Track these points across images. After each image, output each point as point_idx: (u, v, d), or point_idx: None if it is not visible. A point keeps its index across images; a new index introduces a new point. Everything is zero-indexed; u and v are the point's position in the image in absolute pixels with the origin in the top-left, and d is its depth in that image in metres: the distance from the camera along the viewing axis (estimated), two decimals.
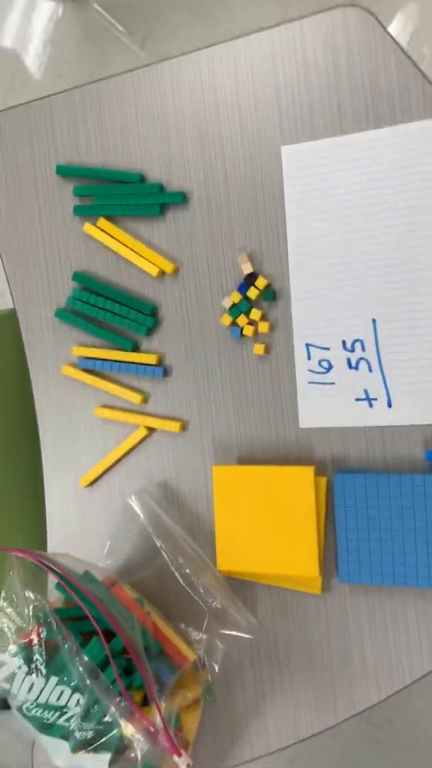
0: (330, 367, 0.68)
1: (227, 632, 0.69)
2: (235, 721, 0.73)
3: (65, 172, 0.76)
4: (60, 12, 1.69)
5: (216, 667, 0.70)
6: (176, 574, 0.70)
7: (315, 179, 0.67)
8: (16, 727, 0.67)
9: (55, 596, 0.69)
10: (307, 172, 0.68)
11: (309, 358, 0.69)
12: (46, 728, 0.65)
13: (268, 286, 0.70)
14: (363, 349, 0.67)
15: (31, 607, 0.66)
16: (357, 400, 0.68)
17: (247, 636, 0.69)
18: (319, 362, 0.69)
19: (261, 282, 0.69)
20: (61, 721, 0.65)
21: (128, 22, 1.64)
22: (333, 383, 0.68)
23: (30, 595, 0.66)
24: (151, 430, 0.75)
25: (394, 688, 0.68)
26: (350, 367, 0.68)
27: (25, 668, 0.65)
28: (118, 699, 0.61)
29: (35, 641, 0.66)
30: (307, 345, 0.69)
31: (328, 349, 0.68)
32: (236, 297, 0.70)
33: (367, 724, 1.46)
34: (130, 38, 1.64)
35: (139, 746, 0.61)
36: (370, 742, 1.46)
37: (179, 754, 0.60)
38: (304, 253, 0.68)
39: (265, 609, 0.71)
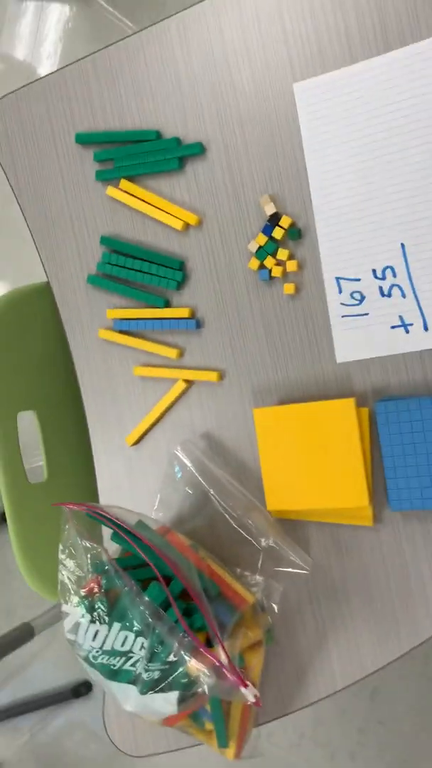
0: (362, 298, 0.68)
1: (283, 569, 0.69)
2: (299, 663, 0.73)
3: (84, 139, 0.78)
4: (68, 12, 1.73)
5: (275, 608, 0.70)
6: (227, 516, 0.71)
7: (330, 112, 0.67)
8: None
9: (111, 549, 0.71)
10: (321, 106, 0.68)
11: (340, 291, 0.69)
12: (114, 674, 0.67)
13: (292, 225, 0.70)
14: (394, 275, 0.67)
15: (89, 557, 0.68)
16: (393, 327, 0.67)
17: (303, 571, 0.69)
18: (351, 294, 0.69)
19: (285, 221, 0.70)
20: (127, 666, 0.66)
21: (133, 14, 1.66)
22: (367, 314, 0.68)
23: (87, 544, 0.67)
24: (189, 383, 0.76)
25: None
26: (383, 295, 0.67)
27: (88, 617, 0.67)
28: (182, 636, 0.61)
29: (96, 590, 0.68)
30: (337, 279, 0.69)
31: (358, 280, 0.68)
32: (262, 239, 0.71)
33: (429, 680, 1.44)
34: (137, 29, 1.66)
35: (205, 681, 0.61)
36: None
37: (245, 685, 0.61)
38: (326, 187, 0.69)
39: (318, 547, 0.72)
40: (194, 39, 0.73)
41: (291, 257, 0.71)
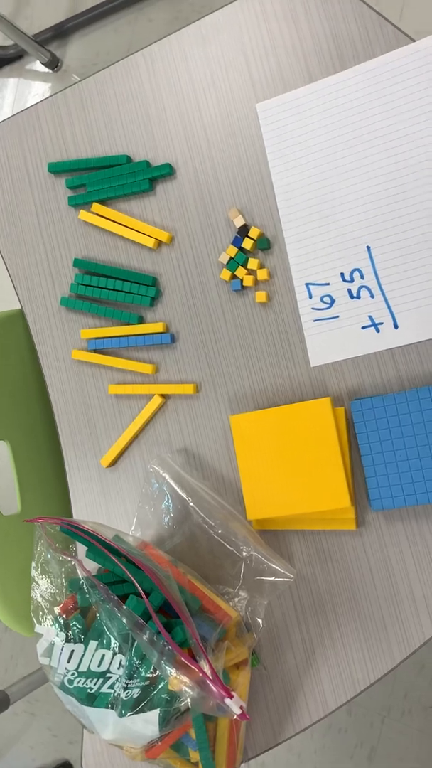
0: (332, 302, 0.69)
1: (266, 578, 0.67)
2: (287, 685, 0.69)
3: (56, 168, 0.81)
4: (45, 87, 1.81)
5: (260, 623, 0.67)
6: (207, 527, 0.69)
7: (291, 127, 0.71)
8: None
9: (88, 567, 0.68)
10: (282, 123, 0.71)
11: (310, 296, 0.70)
12: (91, 699, 0.62)
13: (261, 235, 0.72)
14: (362, 277, 0.68)
15: (63, 574, 0.65)
16: (363, 327, 0.68)
17: (287, 579, 0.67)
18: (321, 299, 0.70)
19: (254, 232, 0.71)
20: (104, 689, 0.62)
21: None
22: (337, 316, 0.69)
23: (61, 557, 0.64)
24: (166, 398, 0.76)
25: None
26: (352, 297, 0.69)
27: (63, 636, 0.63)
28: (162, 643, 0.58)
29: (71, 608, 0.64)
30: (307, 284, 0.70)
31: (327, 284, 0.70)
32: (232, 251, 0.72)
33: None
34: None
35: (188, 695, 0.58)
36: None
37: (230, 696, 0.57)
38: (291, 198, 0.71)
39: (302, 558, 0.69)
40: (161, 69, 0.77)
41: (261, 266, 0.72)
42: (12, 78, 1.85)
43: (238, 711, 0.57)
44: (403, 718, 1.37)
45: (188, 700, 0.58)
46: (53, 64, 1.73)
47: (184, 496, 0.70)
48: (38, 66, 1.77)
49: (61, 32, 1.72)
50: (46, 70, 1.76)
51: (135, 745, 0.62)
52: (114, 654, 0.62)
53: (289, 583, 0.67)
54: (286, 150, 0.71)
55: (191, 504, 0.70)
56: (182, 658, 0.58)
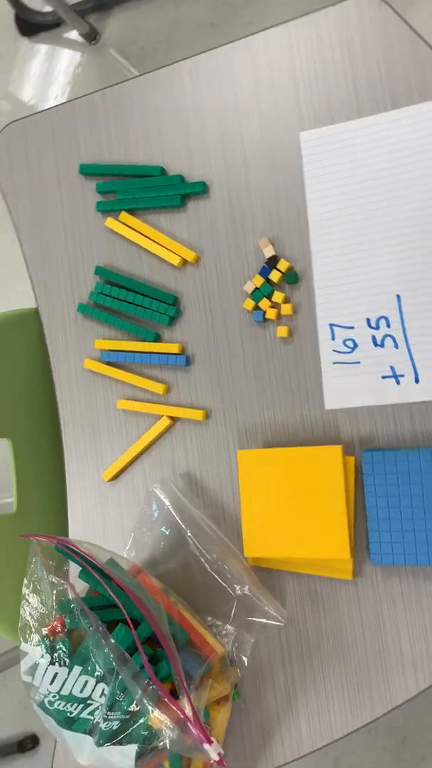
0: (355, 346, 0.68)
1: (256, 620, 0.66)
2: (266, 723, 0.69)
3: (88, 170, 0.78)
4: (78, 57, 1.77)
5: (246, 661, 0.67)
6: (203, 560, 0.68)
7: (334, 162, 0.69)
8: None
9: (79, 587, 0.67)
10: (325, 155, 0.69)
11: (333, 338, 0.69)
12: (70, 723, 0.62)
13: (290, 269, 0.70)
14: (388, 325, 0.67)
15: (54, 594, 0.64)
16: (384, 377, 0.67)
17: (277, 623, 0.66)
18: (344, 342, 0.68)
19: (283, 264, 0.70)
20: (84, 714, 0.62)
21: (143, 65, 1.71)
22: (358, 362, 0.68)
23: (54, 580, 0.64)
24: (174, 420, 0.75)
25: None
26: (375, 344, 0.67)
27: (48, 657, 0.63)
28: (146, 682, 0.58)
29: (59, 630, 0.64)
30: (331, 325, 0.69)
31: (352, 328, 0.68)
32: (258, 281, 0.71)
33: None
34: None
35: (168, 736, 0.58)
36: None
37: (210, 742, 0.57)
38: (325, 234, 0.69)
39: (294, 600, 0.69)
40: (205, 83, 0.74)
41: (286, 300, 0.71)
42: (47, 45, 1.80)
43: (215, 757, 0.57)
44: (368, 735, 1.38)
45: (167, 740, 0.57)
46: (91, 36, 1.68)
47: (183, 525, 0.70)
48: (75, 36, 1.73)
49: (102, 4, 1.67)
50: (83, 41, 1.71)
51: None
52: (97, 682, 0.62)
53: (279, 627, 0.67)
54: (325, 184, 0.69)
55: (189, 534, 0.69)
56: (165, 699, 0.58)
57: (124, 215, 0.77)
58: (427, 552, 0.63)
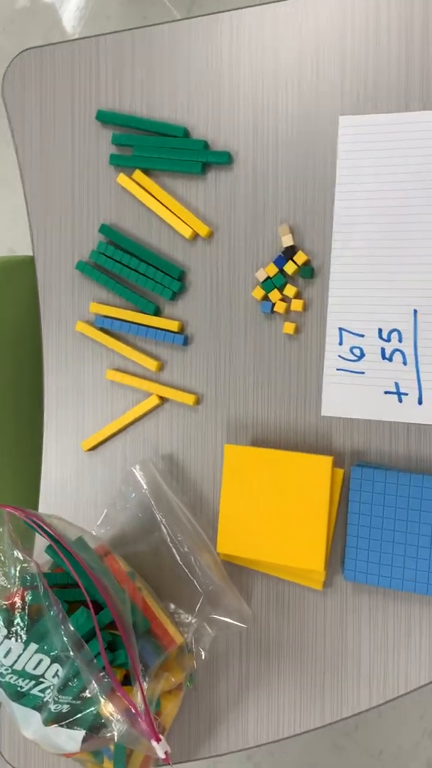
0: (362, 356, 0.65)
1: (219, 618, 0.66)
2: (214, 712, 0.70)
3: (106, 118, 0.72)
4: None
5: (203, 654, 0.67)
6: (174, 550, 0.67)
7: (372, 155, 0.64)
8: None
9: (43, 560, 0.66)
10: (364, 146, 0.64)
11: (341, 343, 0.65)
12: (19, 696, 0.62)
13: (307, 263, 0.66)
14: (400, 340, 0.63)
15: (18, 568, 0.62)
16: (386, 393, 0.64)
17: (241, 625, 0.66)
18: (351, 349, 0.65)
19: (300, 257, 0.65)
20: (35, 691, 0.61)
21: (190, 9, 1.58)
22: (363, 372, 0.65)
23: (19, 555, 0.62)
24: (163, 400, 0.72)
25: (386, 697, 0.65)
26: (383, 357, 0.64)
27: (4, 631, 0.62)
28: (101, 674, 0.57)
29: (18, 604, 0.62)
30: (341, 329, 0.65)
31: (362, 336, 0.65)
32: (272, 270, 0.66)
33: (331, 727, 1.43)
34: (175, 3, 1.59)
35: (116, 727, 0.57)
36: (332, 746, 1.44)
37: (158, 740, 0.57)
38: (350, 232, 0.65)
39: (260, 599, 0.68)
40: (246, 41, 0.68)
41: (298, 296, 0.67)
42: None
43: (162, 756, 0.57)
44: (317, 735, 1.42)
45: (115, 732, 0.57)
46: None
47: (158, 512, 0.68)
48: None
49: None
50: None
51: (53, 751, 0.62)
52: (52, 662, 0.61)
53: (242, 628, 0.66)
54: (358, 177, 0.64)
55: (163, 522, 0.68)
56: (118, 692, 0.57)
57: (138, 174, 0.71)
58: (402, 577, 0.62)
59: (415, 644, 0.64)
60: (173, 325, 0.70)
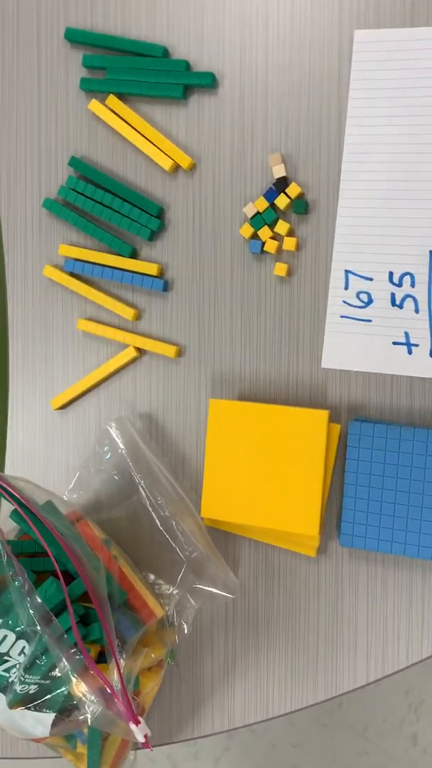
0: (369, 302, 0.59)
1: (204, 588, 0.60)
2: (198, 691, 0.64)
3: (76, 37, 0.64)
4: None
5: (186, 628, 0.61)
6: (153, 514, 0.60)
7: (391, 75, 0.57)
8: None
9: (8, 527, 0.59)
10: (382, 65, 0.57)
11: (347, 287, 0.59)
12: None
13: (300, 196, 0.60)
14: (412, 284, 0.57)
15: None
16: (395, 343, 0.58)
17: (226, 595, 0.60)
18: (358, 294, 0.59)
19: (294, 189, 0.59)
20: None
21: None
22: (370, 320, 0.59)
23: None
24: (141, 353, 0.65)
25: (384, 672, 0.60)
26: (393, 303, 0.58)
27: None
28: (72, 651, 0.51)
29: None
30: (347, 272, 0.59)
31: (370, 279, 0.58)
32: (262, 204, 0.60)
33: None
34: None
35: (90, 709, 0.51)
36: (315, 723, 1.40)
37: (137, 723, 0.51)
38: (360, 163, 0.58)
39: (248, 569, 0.62)
40: None
41: (291, 233, 0.60)
42: None
43: (141, 739, 0.51)
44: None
45: (88, 715, 0.51)
46: None
47: (136, 473, 0.61)
48: None
49: None
50: None
51: (20, 736, 0.56)
52: (18, 638, 0.55)
53: (228, 599, 0.61)
54: (373, 101, 0.57)
55: (142, 484, 0.61)
56: (91, 669, 0.51)
57: (112, 99, 0.64)
58: (404, 541, 0.57)
59: (417, 614, 0.59)
60: (152, 269, 0.64)
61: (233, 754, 1.42)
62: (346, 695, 1.38)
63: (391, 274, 0.57)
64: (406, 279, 0.57)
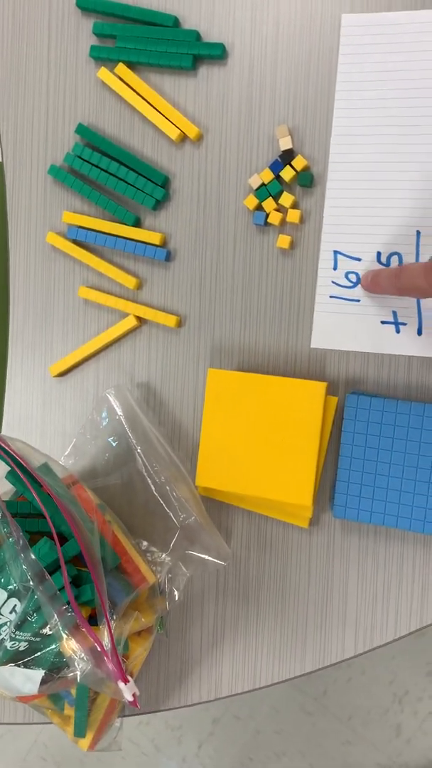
0: (358, 282, 0.59)
1: (196, 554, 0.60)
2: (186, 659, 0.64)
3: (87, 4, 0.65)
4: None
5: (177, 595, 0.61)
6: (149, 480, 0.61)
7: (376, 59, 0.57)
8: None
9: (4, 488, 0.59)
10: (368, 48, 0.58)
11: (335, 267, 0.59)
12: None
13: (306, 168, 0.60)
14: (400, 263, 0.58)
15: None
16: (383, 323, 0.59)
17: (218, 562, 0.60)
18: (346, 275, 0.59)
19: (299, 162, 0.59)
20: None
21: None
22: (358, 300, 0.59)
23: None
24: (141, 322, 0.65)
25: (373, 644, 0.60)
26: None
27: None
28: (64, 608, 0.51)
29: None
30: (336, 252, 0.59)
31: (359, 260, 0.59)
32: (267, 176, 0.60)
33: (300, 692, 1.41)
34: None
35: (79, 666, 0.52)
36: (300, 711, 1.41)
37: (125, 681, 0.51)
38: (348, 142, 0.58)
39: (240, 538, 0.63)
40: None
41: (295, 206, 0.61)
42: None
43: (129, 698, 0.52)
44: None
45: (78, 672, 0.51)
46: None
47: (133, 439, 0.62)
48: None
49: None
50: None
51: (8, 694, 0.56)
52: (9, 596, 0.55)
53: (220, 566, 0.61)
54: (360, 84, 0.58)
55: (138, 450, 0.62)
56: (82, 627, 0.51)
57: (121, 68, 0.64)
58: (397, 514, 0.57)
59: (407, 588, 0.59)
60: (155, 238, 0.64)
61: (217, 739, 1.42)
62: (330, 684, 1.39)
63: (379, 254, 0.58)
64: (394, 258, 0.57)
